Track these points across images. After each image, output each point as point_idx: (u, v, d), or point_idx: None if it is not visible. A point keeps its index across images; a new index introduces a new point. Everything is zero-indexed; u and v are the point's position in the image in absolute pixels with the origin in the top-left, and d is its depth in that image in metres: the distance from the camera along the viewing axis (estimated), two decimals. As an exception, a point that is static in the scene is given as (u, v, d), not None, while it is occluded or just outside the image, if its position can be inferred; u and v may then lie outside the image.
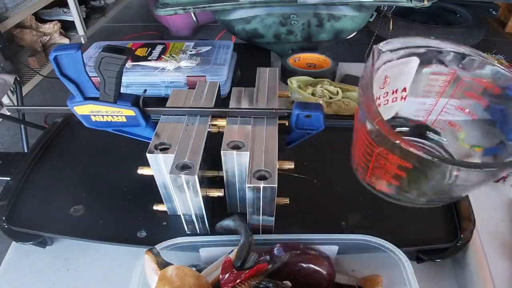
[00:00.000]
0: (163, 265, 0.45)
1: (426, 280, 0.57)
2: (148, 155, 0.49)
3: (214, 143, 0.52)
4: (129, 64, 0.86)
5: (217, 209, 0.58)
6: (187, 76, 0.83)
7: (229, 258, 0.45)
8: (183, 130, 0.53)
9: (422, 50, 0.47)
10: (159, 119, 0.55)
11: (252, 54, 1.07)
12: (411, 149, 0.35)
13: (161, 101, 0.82)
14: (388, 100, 0.49)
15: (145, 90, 0.57)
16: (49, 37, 2.48)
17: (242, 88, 0.62)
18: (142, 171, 0.53)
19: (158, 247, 0.48)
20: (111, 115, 0.55)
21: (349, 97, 0.86)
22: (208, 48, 0.92)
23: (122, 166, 0.66)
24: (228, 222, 0.50)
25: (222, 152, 0.49)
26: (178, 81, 0.84)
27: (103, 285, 0.57)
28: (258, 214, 0.50)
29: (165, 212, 0.59)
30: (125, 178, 0.64)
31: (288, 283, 0.43)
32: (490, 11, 2.01)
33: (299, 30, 1.01)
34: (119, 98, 0.54)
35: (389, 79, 0.47)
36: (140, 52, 0.90)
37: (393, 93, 0.49)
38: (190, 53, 0.89)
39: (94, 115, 0.55)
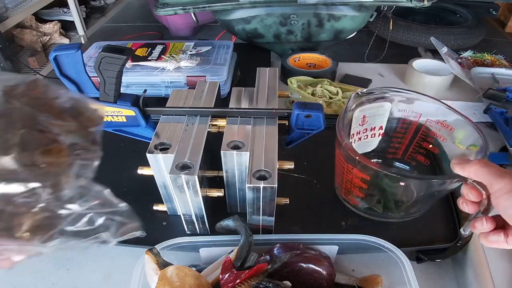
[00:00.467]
0: (163, 265, 0.45)
1: (426, 280, 0.57)
2: (148, 155, 0.49)
3: (214, 143, 0.52)
4: (129, 64, 0.86)
5: (217, 209, 0.57)
6: (187, 76, 0.83)
7: (229, 258, 0.45)
8: (183, 130, 0.53)
9: (391, 95, 0.57)
10: (159, 119, 0.55)
11: (252, 54, 1.07)
12: (365, 163, 0.47)
13: (161, 101, 0.82)
14: (367, 135, 0.61)
15: (145, 90, 0.57)
16: (49, 37, 2.48)
17: (242, 88, 0.61)
18: (142, 171, 0.53)
19: (158, 247, 0.48)
20: (111, 115, 0.55)
21: (349, 97, 0.86)
22: (208, 48, 0.92)
23: (122, 166, 0.66)
24: (228, 222, 0.50)
25: (222, 152, 0.49)
26: (178, 81, 0.84)
27: (103, 285, 0.57)
28: (258, 214, 0.50)
29: (165, 212, 0.59)
30: (125, 178, 0.64)
31: (288, 283, 0.43)
32: (490, 11, 2.01)
33: (299, 30, 1.01)
34: (119, 98, 0.54)
35: (367, 118, 0.58)
36: (140, 52, 0.90)
37: (371, 130, 0.60)
38: (190, 53, 0.89)
39: (94, 115, 0.55)
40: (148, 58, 0.88)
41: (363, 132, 0.60)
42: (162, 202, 0.57)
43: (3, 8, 2.06)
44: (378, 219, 0.58)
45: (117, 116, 0.55)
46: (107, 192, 0.23)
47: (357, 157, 0.47)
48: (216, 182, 0.57)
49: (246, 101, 0.58)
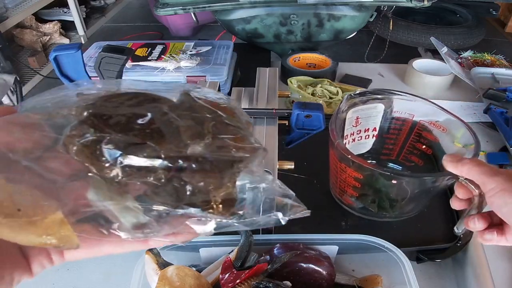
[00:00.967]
0: (163, 265, 0.45)
1: (426, 280, 0.57)
2: (148, 155, 0.49)
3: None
4: (129, 64, 0.86)
5: (217, 209, 0.57)
6: (187, 76, 0.83)
7: (229, 258, 0.45)
8: (183, 130, 0.53)
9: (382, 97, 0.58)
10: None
11: (252, 54, 1.07)
12: (357, 161, 0.47)
13: (161, 101, 0.82)
14: (361, 137, 0.61)
15: (145, 90, 0.57)
16: (49, 37, 2.48)
17: (242, 88, 0.62)
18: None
19: (158, 247, 0.48)
20: (111, 115, 0.55)
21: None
22: (208, 48, 0.92)
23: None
24: (228, 222, 0.49)
25: (222, 152, 0.49)
26: (178, 81, 0.84)
27: (103, 285, 0.57)
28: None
29: (165, 212, 0.59)
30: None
31: (288, 283, 0.43)
32: (490, 11, 2.01)
33: (299, 30, 1.01)
34: (119, 98, 0.54)
35: (360, 120, 0.58)
36: (140, 52, 0.90)
37: (365, 131, 0.61)
38: (190, 53, 0.89)
39: (94, 115, 0.55)
40: (148, 58, 0.88)
41: (357, 134, 0.60)
42: (162, 202, 0.57)
43: (3, 8, 2.06)
44: (373, 219, 0.58)
45: (117, 116, 0.55)
46: (277, 181, 0.25)
47: (349, 156, 0.48)
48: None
49: (246, 101, 0.58)
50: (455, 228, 0.51)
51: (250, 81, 0.63)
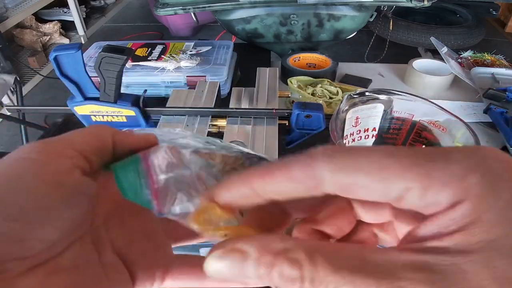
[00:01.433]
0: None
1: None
2: (148, 155, 0.49)
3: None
4: (129, 64, 0.86)
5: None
6: (187, 76, 0.83)
7: None
8: (183, 130, 0.53)
9: (383, 97, 0.57)
10: (159, 119, 0.55)
11: (252, 54, 1.07)
12: None
13: (161, 101, 0.82)
14: (361, 136, 0.61)
15: (145, 90, 0.57)
16: (49, 37, 2.48)
17: (242, 88, 0.62)
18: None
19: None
20: (111, 115, 0.55)
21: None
22: (208, 48, 0.92)
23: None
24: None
25: (222, 152, 0.49)
26: (178, 81, 0.84)
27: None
28: (258, 214, 0.50)
29: (165, 212, 0.59)
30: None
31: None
32: (490, 11, 2.01)
33: (299, 30, 1.01)
34: (119, 98, 0.54)
35: (360, 120, 0.58)
36: (140, 52, 0.90)
37: (364, 131, 0.60)
38: (190, 53, 0.89)
39: (94, 115, 0.55)
40: (148, 58, 0.88)
41: (357, 134, 0.60)
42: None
43: (3, 8, 2.06)
44: None
45: (117, 116, 0.55)
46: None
47: None
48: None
49: (246, 101, 0.58)
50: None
51: (250, 81, 0.63)
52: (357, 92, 0.56)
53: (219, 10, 0.97)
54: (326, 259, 0.13)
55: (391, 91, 0.57)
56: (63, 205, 0.17)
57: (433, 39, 1.06)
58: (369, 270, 0.13)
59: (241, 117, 0.55)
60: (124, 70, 0.51)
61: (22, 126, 1.39)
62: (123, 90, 0.54)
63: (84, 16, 2.74)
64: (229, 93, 0.61)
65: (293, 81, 0.88)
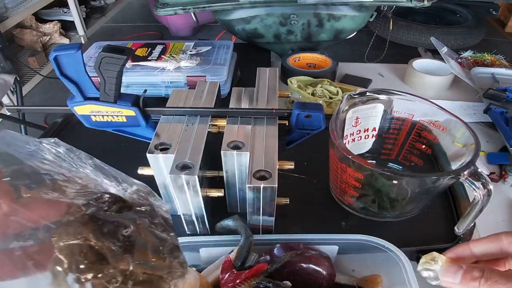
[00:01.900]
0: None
1: (426, 280, 0.57)
2: (148, 155, 0.49)
3: (214, 143, 0.52)
4: (129, 64, 0.86)
5: (217, 209, 0.57)
6: (187, 76, 0.83)
7: (229, 258, 0.45)
8: (183, 130, 0.53)
9: (383, 98, 0.57)
10: (159, 119, 0.55)
11: (252, 54, 1.07)
12: (358, 161, 0.47)
13: (161, 101, 0.81)
14: (361, 136, 0.61)
15: (145, 90, 0.57)
16: (49, 37, 2.48)
17: (242, 88, 0.61)
18: (142, 171, 0.52)
19: None
20: (111, 115, 0.55)
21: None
22: (208, 48, 0.92)
23: (122, 166, 0.65)
24: (228, 222, 0.49)
25: (222, 152, 0.49)
26: (178, 81, 0.84)
27: None
28: (258, 214, 0.50)
29: (165, 212, 0.59)
30: (125, 178, 0.64)
31: (288, 283, 0.43)
32: (490, 11, 2.01)
33: (299, 30, 1.01)
34: (119, 98, 0.54)
35: (360, 120, 0.58)
36: (140, 52, 0.90)
37: (364, 131, 0.61)
38: (190, 53, 0.89)
39: (94, 115, 0.55)
40: (148, 58, 0.88)
41: (357, 134, 0.60)
42: (162, 202, 0.57)
43: (3, 8, 2.06)
44: (373, 219, 0.58)
45: (117, 116, 0.55)
46: None
47: (350, 156, 0.48)
48: (216, 182, 0.57)
49: (246, 101, 0.58)
50: (455, 228, 0.51)
51: (250, 81, 0.62)
52: (357, 92, 0.56)
53: (219, 10, 0.97)
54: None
55: (391, 91, 0.57)
56: None
57: (433, 39, 1.06)
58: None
59: (241, 117, 0.55)
60: (124, 70, 0.51)
61: (22, 126, 1.39)
62: (123, 90, 0.54)
63: (84, 16, 2.74)
64: (229, 93, 0.61)
65: (293, 81, 0.88)
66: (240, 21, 0.99)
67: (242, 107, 0.57)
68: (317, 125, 0.54)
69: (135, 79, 0.84)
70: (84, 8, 2.81)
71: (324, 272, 0.47)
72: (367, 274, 0.52)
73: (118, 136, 0.59)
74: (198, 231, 0.56)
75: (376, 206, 0.57)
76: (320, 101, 0.83)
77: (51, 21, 2.54)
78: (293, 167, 0.51)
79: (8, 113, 1.41)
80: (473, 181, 0.44)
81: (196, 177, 0.45)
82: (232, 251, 0.46)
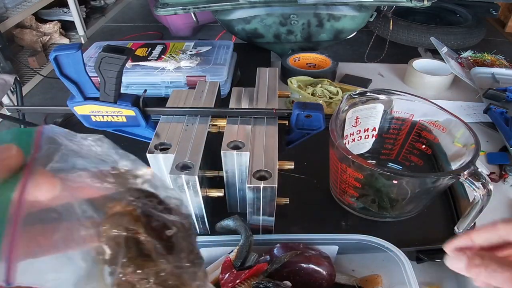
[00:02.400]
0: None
1: (426, 280, 0.57)
2: (148, 155, 0.49)
3: (214, 143, 0.52)
4: (129, 64, 0.86)
5: (217, 209, 0.57)
6: (187, 76, 0.83)
7: (229, 258, 0.45)
8: (183, 130, 0.53)
9: (383, 98, 0.57)
10: (159, 119, 0.55)
11: (252, 54, 1.07)
12: (358, 161, 0.47)
13: (161, 101, 0.82)
14: (361, 136, 0.61)
15: (145, 90, 0.57)
16: (49, 37, 2.48)
17: (242, 88, 0.61)
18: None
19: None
20: (111, 115, 0.55)
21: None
22: (208, 48, 0.92)
23: (122, 166, 0.66)
24: (228, 222, 0.50)
25: (222, 152, 0.49)
26: (178, 81, 0.84)
27: None
28: (258, 214, 0.50)
29: (165, 212, 0.59)
30: (125, 178, 0.64)
31: (288, 283, 0.43)
32: (490, 11, 2.01)
33: (299, 30, 1.01)
34: (119, 98, 0.54)
35: (360, 120, 0.58)
36: (140, 52, 0.90)
37: (364, 131, 0.61)
38: (190, 53, 0.89)
39: (94, 115, 0.55)
40: (148, 58, 0.88)
41: (357, 133, 0.60)
42: (162, 202, 0.57)
43: (3, 8, 2.06)
44: (373, 219, 0.58)
45: (117, 116, 0.55)
46: None
47: (350, 156, 0.48)
48: (216, 182, 0.57)
49: (246, 101, 0.58)
50: (455, 228, 0.51)
51: (250, 81, 0.62)
52: (357, 92, 0.56)
53: (219, 10, 0.97)
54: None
55: (391, 91, 0.57)
56: None
57: (433, 39, 1.06)
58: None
59: (241, 117, 0.55)
60: (124, 70, 0.51)
61: (22, 126, 1.39)
62: (123, 90, 0.54)
63: (84, 16, 2.74)
64: (229, 93, 0.61)
65: (293, 81, 0.88)
66: (240, 21, 0.99)
67: (242, 107, 0.57)
68: (317, 125, 0.54)
69: (135, 79, 0.84)
70: (84, 8, 2.81)
71: (324, 272, 0.47)
72: (367, 274, 0.52)
73: (118, 136, 0.59)
74: (198, 231, 0.56)
75: (376, 206, 0.57)
76: (320, 101, 0.83)
77: (51, 21, 2.54)
78: (293, 167, 0.51)
79: (8, 113, 1.41)
80: (473, 181, 0.44)
81: (196, 177, 0.45)
82: (232, 251, 0.46)
